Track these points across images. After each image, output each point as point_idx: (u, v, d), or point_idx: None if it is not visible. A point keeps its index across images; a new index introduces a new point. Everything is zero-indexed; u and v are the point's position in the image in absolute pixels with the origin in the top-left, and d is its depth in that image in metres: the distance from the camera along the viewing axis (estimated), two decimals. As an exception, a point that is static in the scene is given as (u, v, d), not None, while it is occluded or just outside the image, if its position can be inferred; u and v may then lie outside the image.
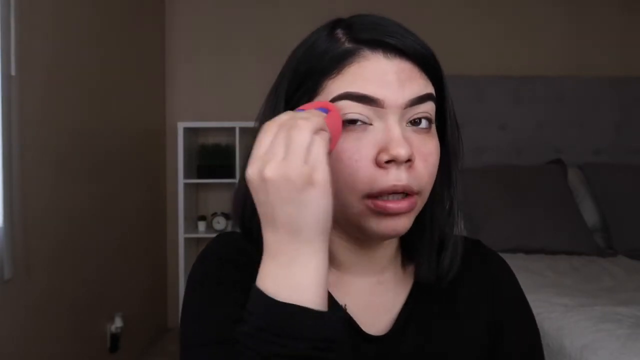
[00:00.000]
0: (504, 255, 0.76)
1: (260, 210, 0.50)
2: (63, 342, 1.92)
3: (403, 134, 0.56)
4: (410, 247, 0.67)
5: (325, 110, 0.54)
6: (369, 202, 0.57)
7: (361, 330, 0.64)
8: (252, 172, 0.49)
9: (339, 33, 0.60)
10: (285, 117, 0.50)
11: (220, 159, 3.01)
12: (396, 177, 0.56)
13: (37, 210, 1.74)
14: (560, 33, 3.14)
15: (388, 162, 0.55)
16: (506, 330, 0.68)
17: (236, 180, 2.94)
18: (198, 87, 3.16)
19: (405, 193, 0.57)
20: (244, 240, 0.66)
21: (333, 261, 0.66)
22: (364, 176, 0.56)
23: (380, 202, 0.56)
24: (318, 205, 0.48)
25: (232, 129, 2.97)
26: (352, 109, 0.56)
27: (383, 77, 0.57)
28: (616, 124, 2.96)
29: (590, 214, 2.61)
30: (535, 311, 0.73)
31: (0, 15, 1.52)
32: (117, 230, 2.40)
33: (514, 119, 2.92)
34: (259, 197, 0.49)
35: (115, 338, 2.34)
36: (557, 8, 3.14)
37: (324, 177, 0.48)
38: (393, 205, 0.56)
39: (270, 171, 0.48)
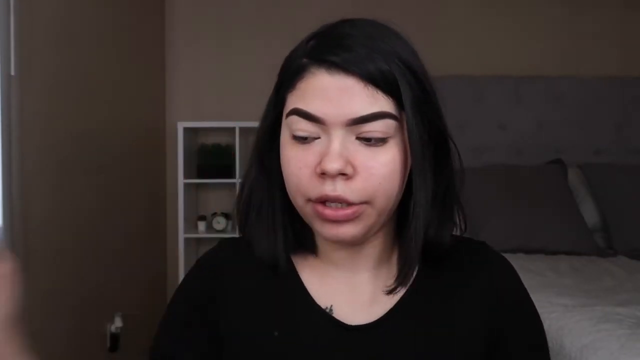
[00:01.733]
0: (504, 255, 0.76)
1: None
2: (63, 342, 1.92)
3: (344, 149, 0.59)
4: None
5: None
6: (312, 206, 0.61)
7: (341, 322, 0.66)
8: None
9: (309, 45, 0.62)
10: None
11: (220, 159, 3.01)
12: (330, 187, 0.59)
13: (37, 210, 1.73)
14: (560, 33, 3.14)
15: (323, 173, 0.59)
16: (509, 334, 0.68)
17: (236, 180, 2.95)
18: (198, 87, 3.16)
19: (347, 202, 0.59)
20: (243, 247, 0.70)
21: (325, 258, 0.69)
22: (305, 182, 0.60)
23: (319, 208, 0.60)
24: None
25: (232, 129, 2.97)
26: (300, 125, 0.60)
27: (324, 94, 0.59)
28: (616, 124, 2.95)
29: (590, 214, 2.60)
30: (535, 311, 0.72)
31: (0, 15, 1.52)
32: (117, 230, 2.40)
33: (514, 119, 2.92)
34: None
35: (115, 338, 2.33)
36: (557, 8, 3.13)
37: None
38: (330, 212, 0.60)
39: None
